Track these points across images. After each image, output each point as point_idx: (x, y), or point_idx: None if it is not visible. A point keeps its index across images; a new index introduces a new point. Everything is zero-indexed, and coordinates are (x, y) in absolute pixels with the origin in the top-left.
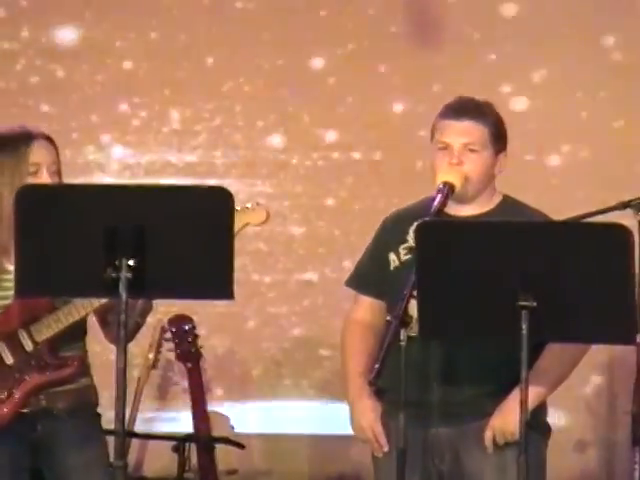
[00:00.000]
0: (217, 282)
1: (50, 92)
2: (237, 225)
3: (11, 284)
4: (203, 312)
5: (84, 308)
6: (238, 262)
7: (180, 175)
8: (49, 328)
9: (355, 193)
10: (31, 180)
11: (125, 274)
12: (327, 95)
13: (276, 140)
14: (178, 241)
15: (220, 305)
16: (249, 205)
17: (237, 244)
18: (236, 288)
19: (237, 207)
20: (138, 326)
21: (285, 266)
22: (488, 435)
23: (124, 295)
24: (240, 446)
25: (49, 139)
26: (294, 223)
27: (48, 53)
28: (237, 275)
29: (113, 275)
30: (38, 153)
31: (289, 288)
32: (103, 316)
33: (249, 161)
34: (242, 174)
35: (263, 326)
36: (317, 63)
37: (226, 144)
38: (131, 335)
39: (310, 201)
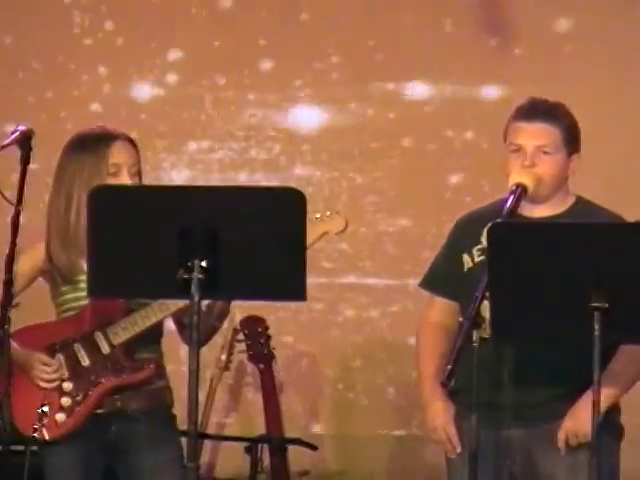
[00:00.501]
0: (290, 283)
1: None
2: (316, 233)
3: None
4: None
5: (161, 311)
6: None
7: None
8: (126, 331)
9: None
10: (110, 181)
11: (197, 275)
12: None
13: None
14: (250, 242)
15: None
16: (328, 213)
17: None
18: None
19: (316, 215)
20: (215, 329)
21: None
22: (561, 437)
23: (196, 296)
24: (312, 447)
25: (130, 140)
26: None
27: None
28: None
29: (185, 276)
30: (118, 154)
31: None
32: (179, 318)
33: None
34: None
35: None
36: None
37: None
38: (207, 338)
39: None
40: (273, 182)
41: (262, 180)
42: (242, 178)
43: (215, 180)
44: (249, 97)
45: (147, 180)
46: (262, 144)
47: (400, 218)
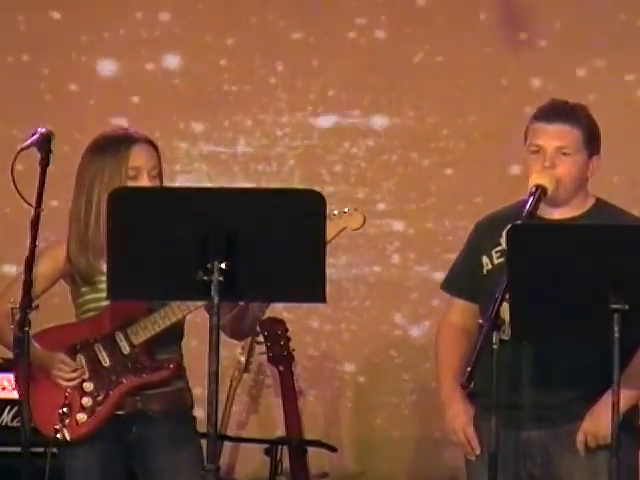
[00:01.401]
0: (309, 285)
1: None
2: (334, 229)
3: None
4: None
5: (181, 311)
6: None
7: None
8: (146, 331)
9: None
10: (130, 184)
11: (217, 277)
12: None
13: None
14: (270, 244)
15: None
16: (346, 210)
17: None
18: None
19: (335, 212)
20: (257, 320)
21: None
22: (580, 438)
23: (216, 298)
24: (332, 449)
25: (151, 143)
26: None
27: None
28: None
29: (205, 278)
30: (138, 157)
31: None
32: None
33: None
34: None
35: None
36: None
37: None
38: (250, 329)
39: None
40: None
41: None
42: None
43: None
44: None
45: None
46: None
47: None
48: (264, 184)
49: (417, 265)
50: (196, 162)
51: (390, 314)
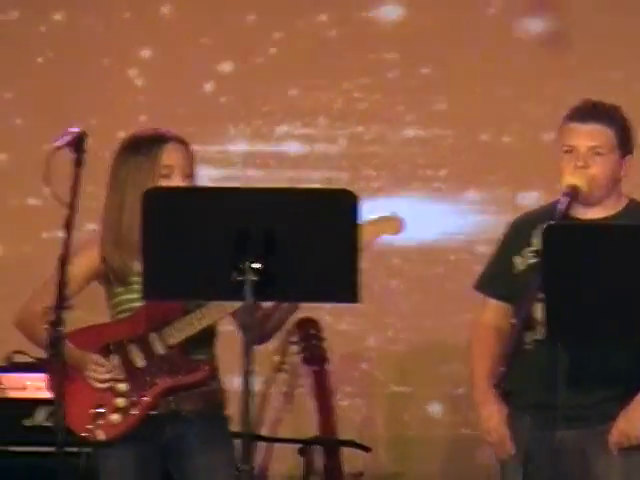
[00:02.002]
0: (343, 285)
1: None
2: (371, 235)
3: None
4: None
5: (217, 312)
6: None
7: None
8: (181, 332)
9: None
10: (163, 183)
11: (251, 277)
12: None
13: None
14: (304, 243)
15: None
16: (384, 215)
17: None
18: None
19: (372, 216)
20: (284, 322)
21: None
22: (613, 438)
23: (250, 298)
24: (366, 449)
25: (183, 141)
26: None
27: None
28: None
29: (239, 278)
30: (171, 155)
31: None
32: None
33: None
34: None
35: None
36: None
37: None
38: (273, 333)
39: None
40: None
41: None
42: None
43: None
44: None
45: None
46: None
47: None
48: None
49: None
50: None
51: (422, 315)
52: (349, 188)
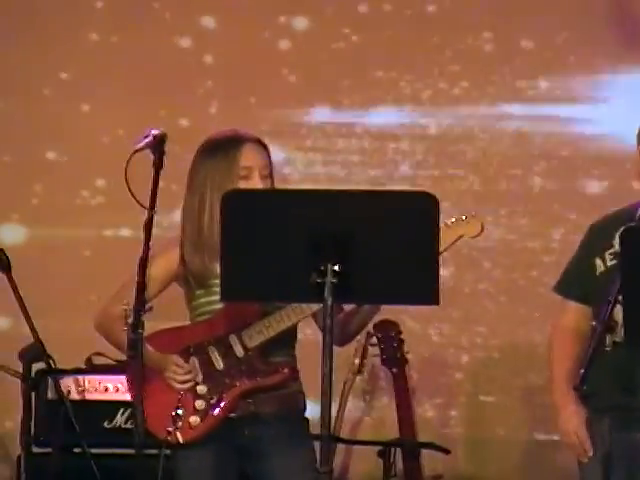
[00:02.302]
0: (422, 287)
1: None
2: (451, 237)
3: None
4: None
5: (296, 315)
6: None
7: None
8: (260, 334)
9: None
10: (242, 184)
11: (330, 279)
12: None
13: None
14: (383, 246)
15: None
16: (464, 217)
17: None
18: None
19: (452, 219)
20: (365, 323)
21: None
22: None
23: (329, 300)
24: (446, 451)
25: (261, 142)
26: None
27: None
28: None
29: (318, 280)
30: (249, 156)
31: None
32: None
33: None
34: None
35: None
36: None
37: None
38: (354, 335)
39: None
40: None
41: None
42: None
43: None
44: None
45: None
46: None
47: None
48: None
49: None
50: None
51: (500, 318)
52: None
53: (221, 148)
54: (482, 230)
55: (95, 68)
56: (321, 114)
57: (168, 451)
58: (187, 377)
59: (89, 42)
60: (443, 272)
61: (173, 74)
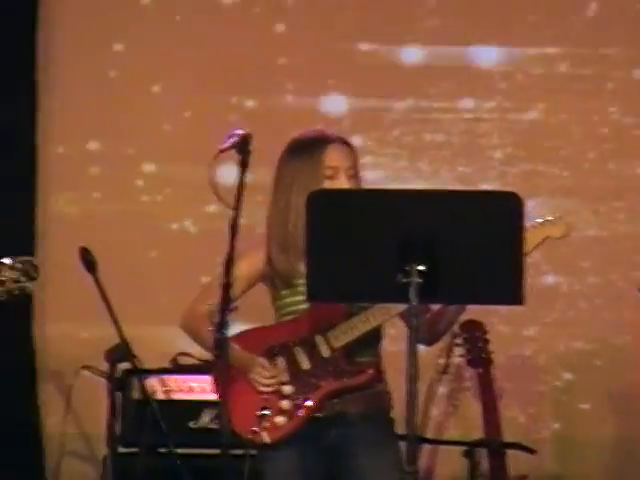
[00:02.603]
0: (508, 287)
1: None
2: (537, 238)
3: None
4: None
5: (381, 315)
6: None
7: None
8: (346, 334)
9: None
10: (327, 184)
11: (416, 279)
12: None
13: None
14: (468, 246)
15: None
16: (550, 218)
17: None
18: None
19: (539, 220)
20: (452, 323)
21: None
22: None
23: (415, 301)
24: (531, 451)
25: (346, 142)
26: None
27: None
28: None
29: (404, 280)
30: (334, 156)
31: None
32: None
33: None
34: None
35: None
36: None
37: None
38: (442, 335)
39: None
40: None
41: None
42: None
43: None
44: None
45: None
46: None
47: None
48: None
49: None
50: None
51: (589, 319)
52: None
53: (306, 149)
54: (568, 231)
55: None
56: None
57: (254, 451)
58: (272, 380)
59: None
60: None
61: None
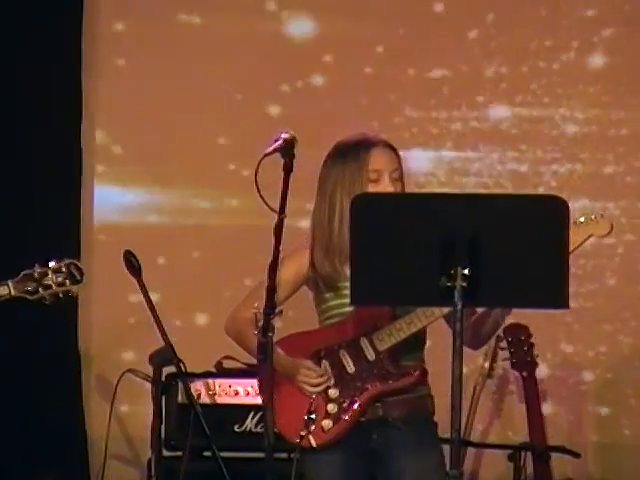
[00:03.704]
0: (552, 291)
1: None
2: (581, 236)
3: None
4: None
5: (426, 317)
6: None
7: None
8: (391, 337)
9: None
10: (371, 187)
11: (460, 283)
12: None
13: None
14: (512, 249)
15: None
16: (593, 217)
17: None
18: None
19: (581, 218)
20: (498, 326)
21: None
22: None
23: (459, 304)
24: (576, 455)
25: (390, 146)
26: None
27: None
28: None
29: (448, 284)
30: (378, 160)
31: None
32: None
33: None
34: None
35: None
36: None
37: None
38: (487, 338)
39: None
40: None
41: None
42: None
43: None
44: None
45: None
46: None
47: None
48: None
49: None
50: None
51: (629, 322)
52: None
53: (350, 152)
54: (612, 229)
55: None
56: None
57: (298, 455)
58: (319, 381)
59: None
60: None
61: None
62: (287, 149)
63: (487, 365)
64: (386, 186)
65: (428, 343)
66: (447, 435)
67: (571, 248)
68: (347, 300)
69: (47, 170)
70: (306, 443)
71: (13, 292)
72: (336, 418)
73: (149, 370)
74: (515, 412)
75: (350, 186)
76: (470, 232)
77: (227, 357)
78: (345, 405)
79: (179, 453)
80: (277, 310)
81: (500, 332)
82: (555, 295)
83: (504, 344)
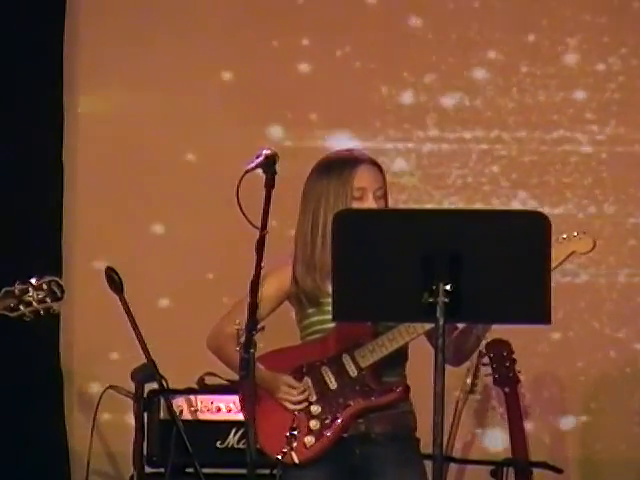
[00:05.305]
0: (534, 306)
1: None
2: (562, 254)
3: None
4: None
5: (409, 334)
6: None
7: None
8: (373, 353)
9: None
10: (355, 204)
11: (442, 299)
12: None
13: None
14: (494, 265)
15: None
16: (575, 233)
17: None
18: None
19: (563, 235)
20: (479, 342)
21: None
22: None
23: (441, 320)
24: (558, 470)
25: (375, 163)
26: None
27: None
28: None
29: (430, 300)
30: (363, 177)
31: None
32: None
33: None
34: None
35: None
36: None
37: None
38: (471, 352)
39: None
40: None
41: None
42: None
43: None
44: None
45: None
46: None
47: None
48: None
49: None
50: None
51: (616, 331)
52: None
53: (335, 169)
54: (594, 246)
55: None
56: None
57: (280, 471)
58: (301, 397)
59: None
60: None
61: None
62: (269, 165)
63: (469, 381)
64: (370, 204)
65: (410, 359)
66: (429, 451)
67: (553, 265)
68: (329, 316)
69: (30, 185)
70: (288, 459)
71: None
72: (318, 434)
73: (131, 387)
74: (498, 428)
75: (334, 202)
76: (452, 248)
77: (209, 373)
78: (327, 421)
79: (161, 469)
80: (259, 327)
81: (482, 348)
82: (537, 311)
83: (486, 360)
